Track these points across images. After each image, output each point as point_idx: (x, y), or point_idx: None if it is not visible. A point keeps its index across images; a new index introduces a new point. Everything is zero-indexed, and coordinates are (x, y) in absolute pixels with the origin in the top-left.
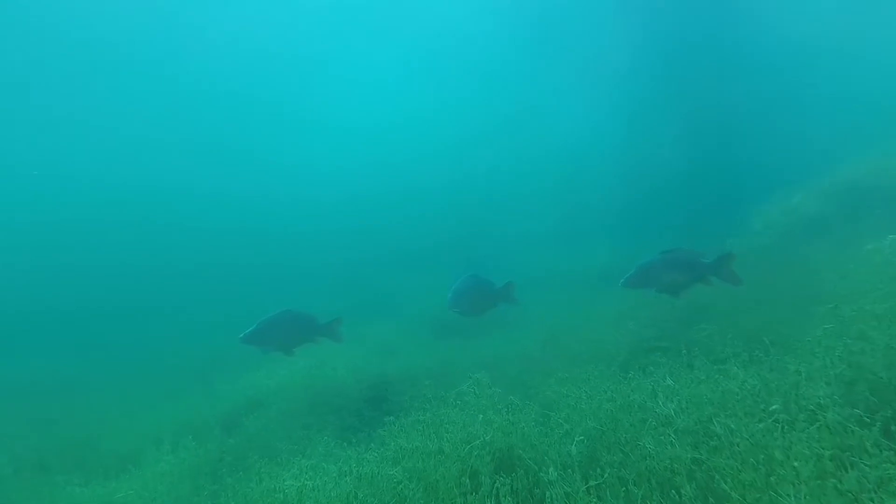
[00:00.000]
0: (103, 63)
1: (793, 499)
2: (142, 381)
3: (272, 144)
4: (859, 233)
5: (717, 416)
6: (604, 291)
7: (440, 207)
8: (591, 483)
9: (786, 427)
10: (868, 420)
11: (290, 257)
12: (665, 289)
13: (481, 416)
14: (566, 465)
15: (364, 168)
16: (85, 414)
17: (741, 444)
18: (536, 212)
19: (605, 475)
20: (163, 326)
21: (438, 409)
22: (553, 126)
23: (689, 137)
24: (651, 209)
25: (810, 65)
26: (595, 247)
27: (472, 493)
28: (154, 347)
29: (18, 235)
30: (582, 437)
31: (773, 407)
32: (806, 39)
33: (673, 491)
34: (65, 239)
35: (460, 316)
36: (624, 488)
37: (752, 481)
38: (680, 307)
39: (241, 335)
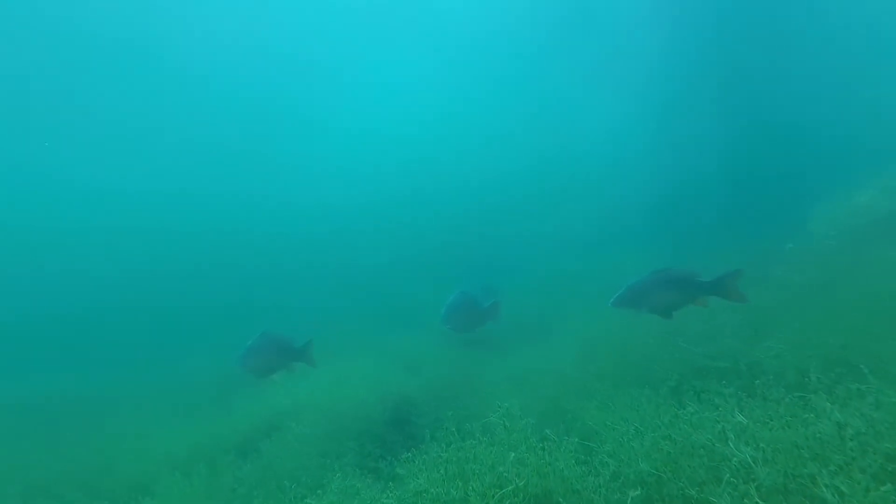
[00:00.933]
0: (112, 64)
1: None
2: (159, 398)
3: (295, 149)
4: None
5: (819, 474)
6: None
7: (467, 211)
8: None
9: None
10: None
11: (313, 264)
12: (656, 309)
13: (513, 453)
14: None
15: (385, 172)
16: (99, 433)
17: None
18: (573, 214)
19: None
20: (181, 339)
21: (463, 441)
22: (594, 124)
23: (741, 132)
24: (700, 211)
25: (874, 49)
26: (638, 252)
27: None
28: (172, 362)
29: (26, 244)
30: (639, 492)
31: None
32: (873, 20)
33: None
34: (76, 247)
35: (452, 332)
36: None
37: None
38: (736, 320)
39: (236, 359)
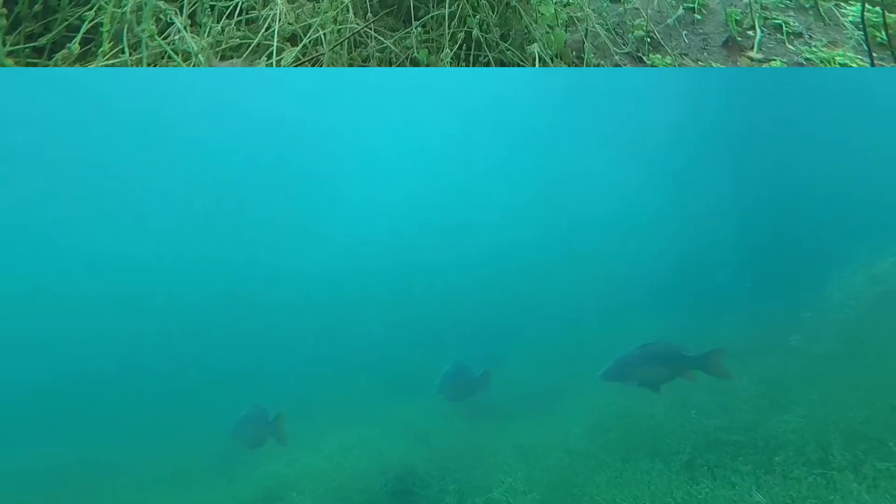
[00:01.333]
0: (122, 133)
1: None
2: (159, 465)
3: (295, 215)
4: None
5: None
6: None
7: (474, 278)
8: None
9: None
10: None
11: (315, 329)
12: (644, 382)
13: None
14: None
15: (389, 238)
16: (98, 502)
17: None
18: (583, 281)
19: None
20: (182, 405)
21: None
22: (604, 190)
23: (755, 195)
24: (713, 276)
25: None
26: (648, 319)
27: None
28: (173, 428)
29: (21, 308)
30: None
31: None
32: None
33: None
34: (71, 311)
35: (446, 401)
36: None
37: None
38: (751, 391)
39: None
